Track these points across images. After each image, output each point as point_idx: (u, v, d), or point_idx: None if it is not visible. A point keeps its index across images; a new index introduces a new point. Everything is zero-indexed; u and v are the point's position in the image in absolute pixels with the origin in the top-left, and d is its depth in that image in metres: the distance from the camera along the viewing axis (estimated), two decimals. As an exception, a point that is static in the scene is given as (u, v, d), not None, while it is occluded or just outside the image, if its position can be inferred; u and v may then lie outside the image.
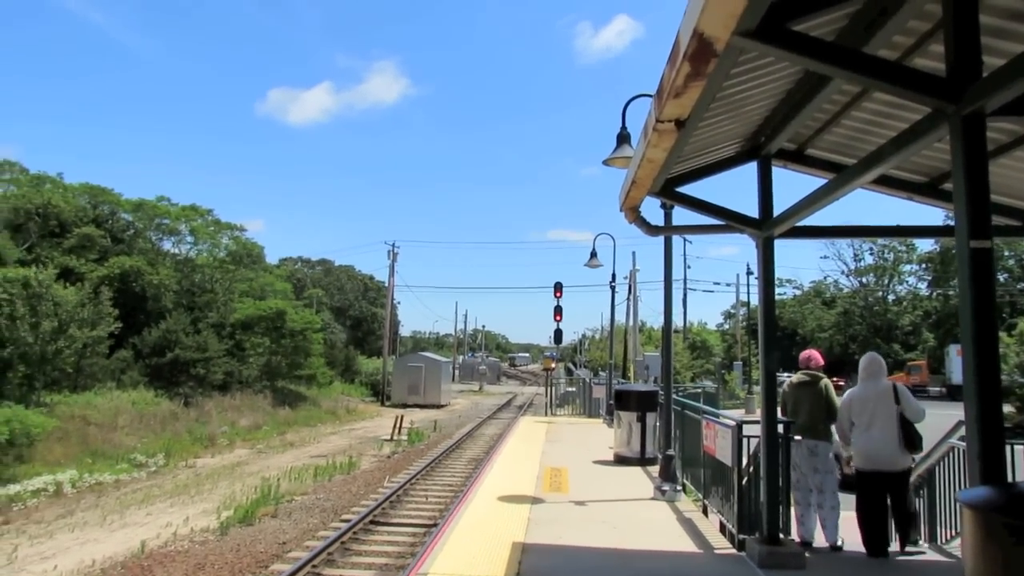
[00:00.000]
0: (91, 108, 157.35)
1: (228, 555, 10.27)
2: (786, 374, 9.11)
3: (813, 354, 6.97)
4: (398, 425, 25.08)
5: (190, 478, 17.17)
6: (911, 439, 5.91)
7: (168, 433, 22.22)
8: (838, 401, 6.52)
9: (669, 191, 6.28)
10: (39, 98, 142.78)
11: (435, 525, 10.73)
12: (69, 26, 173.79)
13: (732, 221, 6.30)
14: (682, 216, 7.99)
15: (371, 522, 11.62)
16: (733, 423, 6.66)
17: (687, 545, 6.59)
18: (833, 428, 6.66)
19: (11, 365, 20.05)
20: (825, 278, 66.93)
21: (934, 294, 58.73)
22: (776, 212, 5.95)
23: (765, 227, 6.05)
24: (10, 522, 12.68)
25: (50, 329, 20.80)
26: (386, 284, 51.48)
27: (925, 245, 58.13)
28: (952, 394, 39.16)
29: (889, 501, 6.13)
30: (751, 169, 6.38)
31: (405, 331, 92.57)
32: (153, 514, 13.21)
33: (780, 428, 6.22)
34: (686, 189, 6.43)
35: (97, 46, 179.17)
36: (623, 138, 7.98)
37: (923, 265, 60.24)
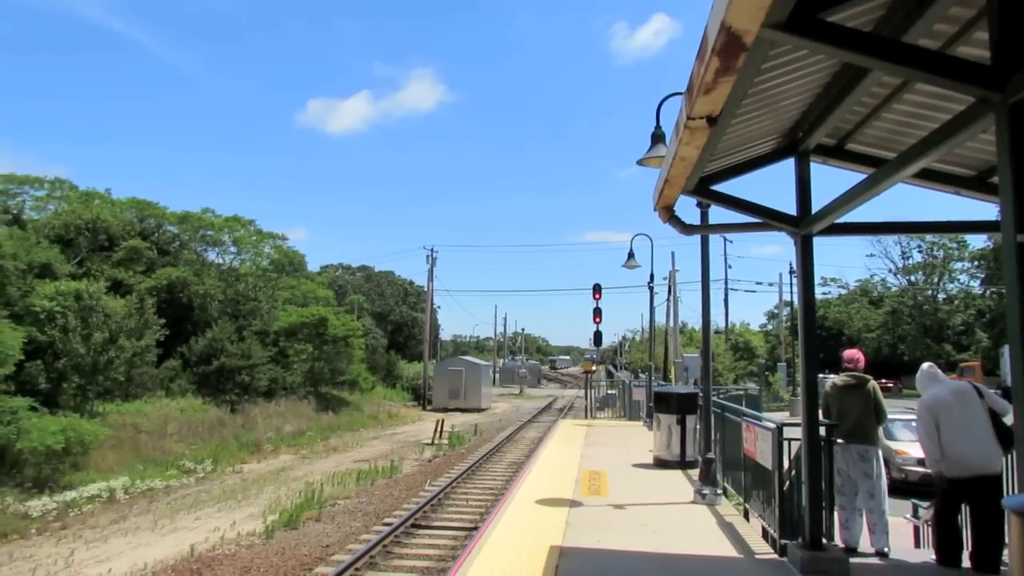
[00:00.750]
0: (137, 125, 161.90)
1: (273, 558, 10.47)
2: (831, 376, 8.88)
3: (859, 355, 6.78)
4: (439, 429, 25.23)
5: (237, 483, 17.53)
6: (1006, 435, 5.44)
7: (215, 440, 22.72)
8: (886, 403, 6.31)
9: (703, 189, 6.16)
10: (86, 117, 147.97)
11: (475, 528, 10.74)
12: (113, 45, 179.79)
13: (769, 219, 6.16)
14: (718, 215, 7.86)
15: (412, 525, 11.71)
16: (773, 426, 6.53)
17: (727, 550, 6.48)
18: (881, 431, 6.45)
19: (65, 376, 20.76)
20: (872, 277, 65.38)
21: (987, 292, 56.66)
22: (815, 209, 5.81)
23: (803, 224, 5.91)
24: (67, 527, 13.12)
25: (101, 340, 21.49)
26: (425, 289, 51.88)
27: (978, 242, 56.26)
28: (1007, 396, 37.74)
29: (972, 512, 5.55)
30: (789, 166, 6.26)
31: (445, 335, 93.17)
32: (202, 519, 13.52)
33: (823, 431, 6.06)
34: (721, 187, 6.30)
35: (141, 65, 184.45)
36: (657, 137, 7.93)
37: (975, 262, 58.21)
